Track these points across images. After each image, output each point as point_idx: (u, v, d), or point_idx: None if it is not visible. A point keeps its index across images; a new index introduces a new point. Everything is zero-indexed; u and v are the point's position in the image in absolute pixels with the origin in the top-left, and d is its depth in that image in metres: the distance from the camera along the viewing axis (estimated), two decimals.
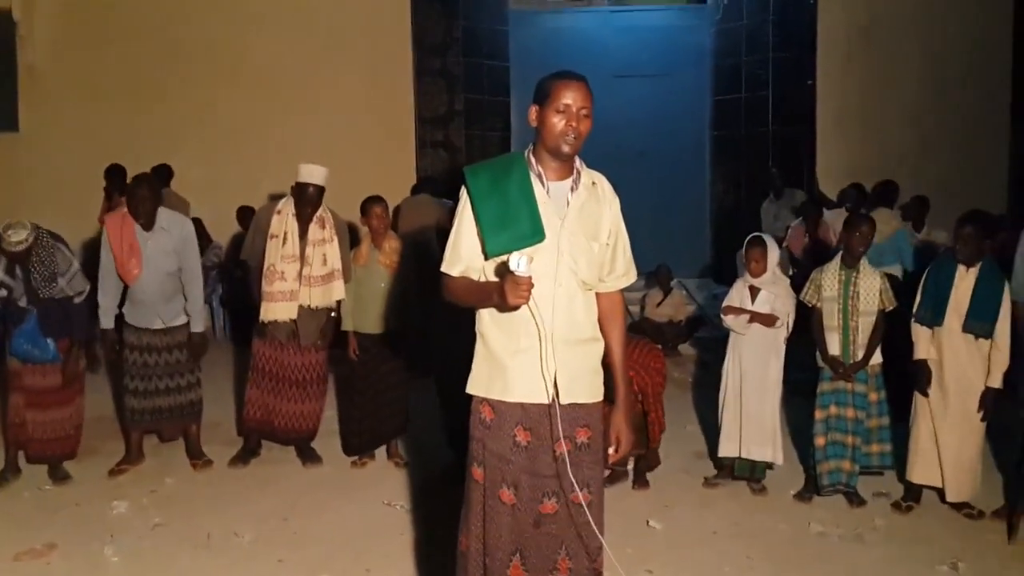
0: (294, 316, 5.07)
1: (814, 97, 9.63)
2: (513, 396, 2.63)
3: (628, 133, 9.90)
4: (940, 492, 4.58)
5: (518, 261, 2.38)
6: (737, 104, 10.08)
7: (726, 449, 4.88)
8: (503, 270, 2.49)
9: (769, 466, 4.87)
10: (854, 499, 4.68)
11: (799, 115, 9.67)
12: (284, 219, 5.07)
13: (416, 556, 4.04)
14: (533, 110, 2.64)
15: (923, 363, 4.53)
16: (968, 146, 9.62)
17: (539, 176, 2.64)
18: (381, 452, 5.31)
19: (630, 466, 4.99)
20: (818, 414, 4.72)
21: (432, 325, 5.01)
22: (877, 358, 4.70)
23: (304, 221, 5.08)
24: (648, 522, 4.40)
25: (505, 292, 2.42)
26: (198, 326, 5.11)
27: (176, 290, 5.06)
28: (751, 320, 4.76)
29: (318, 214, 5.11)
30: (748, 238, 4.90)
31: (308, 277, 5.05)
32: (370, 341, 5.17)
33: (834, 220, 7.32)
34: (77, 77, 9.63)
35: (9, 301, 4.73)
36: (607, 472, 4.58)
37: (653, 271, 8.40)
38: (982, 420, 4.45)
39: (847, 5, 9.71)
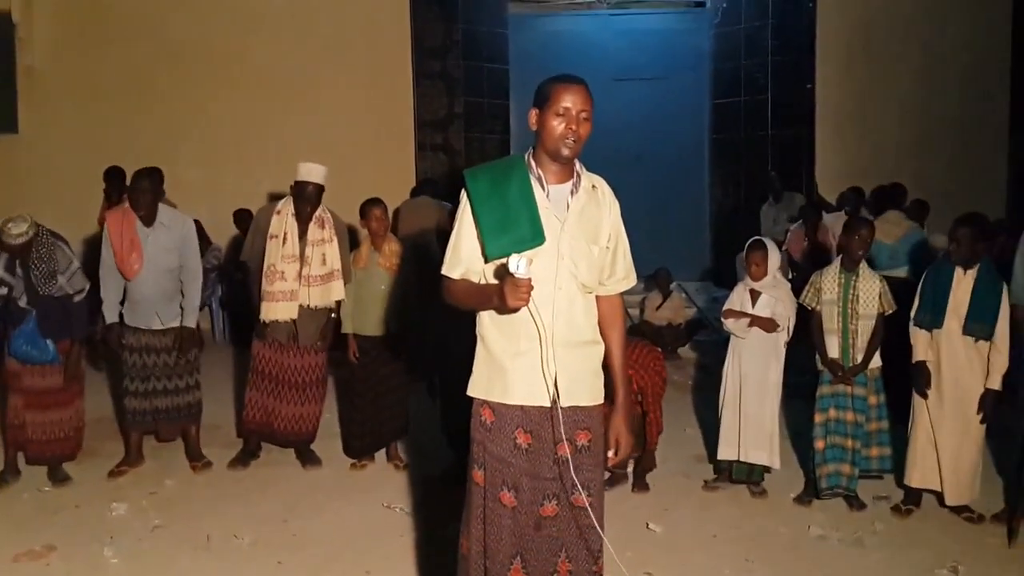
0: (294, 316, 5.07)
1: (813, 100, 9.66)
2: (513, 399, 2.63)
3: (627, 136, 9.92)
4: (939, 496, 4.57)
5: (518, 263, 2.38)
6: (736, 107, 10.09)
7: (724, 452, 4.88)
8: (503, 272, 2.49)
9: (767, 469, 4.87)
10: (854, 503, 4.68)
11: (798, 118, 9.70)
12: (284, 219, 5.08)
13: (416, 558, 4.04)
14: (533, 113, 2.64)
15: (922, 364, 4.53)
16: (967, 150, 9.64)
17: (539, 179, 2.65)
18: (381, 454, 5.31)
19: (629, 469, 4.99)
20: (818, 417, 4.72)
21: (432, 328, 5.02)
22: (876, 361, 4.71)
23: (304, 221, 5.08)
24: (648, 525, 4.40)
25: (505, 294, 2.42)
26: (190, 321, 5.10)
27: (175, 290, 5.07)
28: (751, 324, 4.77)
29: (317, 214, 5.11)
30: (749, 241, 4.90)
31: (307, 277, 5.06)
32: (370, 344, 5.17)
33: (833, 224, 7.33)
34: (76, 78, 9.64)
35: (9, 299, 4.73)
36: (607, 475, 4.59)
37: (652, 274, 8.41)
38: (981, 423, 4.45)
39: (846, 8, 9.74)
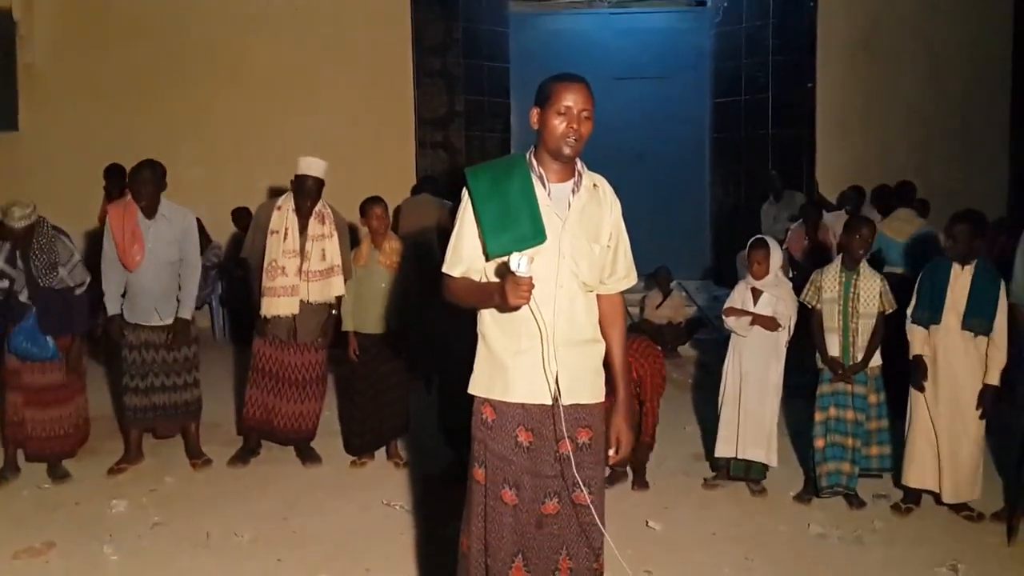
0: (296, 311, 5.08)
1: (814, 100, 9.65)
2: (514, 396, 2.63)
3: (628, 135, 9.92)
4: (937, 495, 4.57)
5: (519, 261, 2.38)
6: (737, 107, 10.09)
7: (722, 450, 4.88)
8: (504, 271, 2.50)
9: (766, 467, 4.86)
10: (854, 501, 4.68)
11: (799, 118, 9.69)
12: (284, 215, 5.09)
13: (416, 556, 4.04)
14: (534, 112, 2.65)
15: (918, 358, 4.54)
16: (967, 149, 9.63)
17: (540, 178, 2.65)
18: (380, 452, 5.31)
19: (629, 467, 4.99)
20: (818, 416, 4.72)
21: (432, 326, 5.02)
22: (877, 360, 4.71)
23: (304, 215, 5.09)
24: (647, 523, 4.41)
25: (506, 292, 2.42)
26: (185, 313, 5.10)
27: (175, 285, 5.07)
28: (753, 322, 4.77)
29: (317, 209, 5.12)
30: (751, 240, 4.90)
31: (307, 272, 5.06)
32: (370, 341, 5.18)
33: (834, 223, 7.33)
34: (77, 77, 9.63)
35: (10, 293, 4.74)
36: (607, 473, 4.58)
37: (652, 273, 8.41)
38: (981, 418, 4.45)
39: (847, 8, 9.73)
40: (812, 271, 5.00)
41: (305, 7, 9.71)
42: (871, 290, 4.65)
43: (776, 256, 4.83)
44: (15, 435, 4.94)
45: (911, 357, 4.57)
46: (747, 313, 4.79)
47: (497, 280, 2.58)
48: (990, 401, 4.42)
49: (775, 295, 4.77)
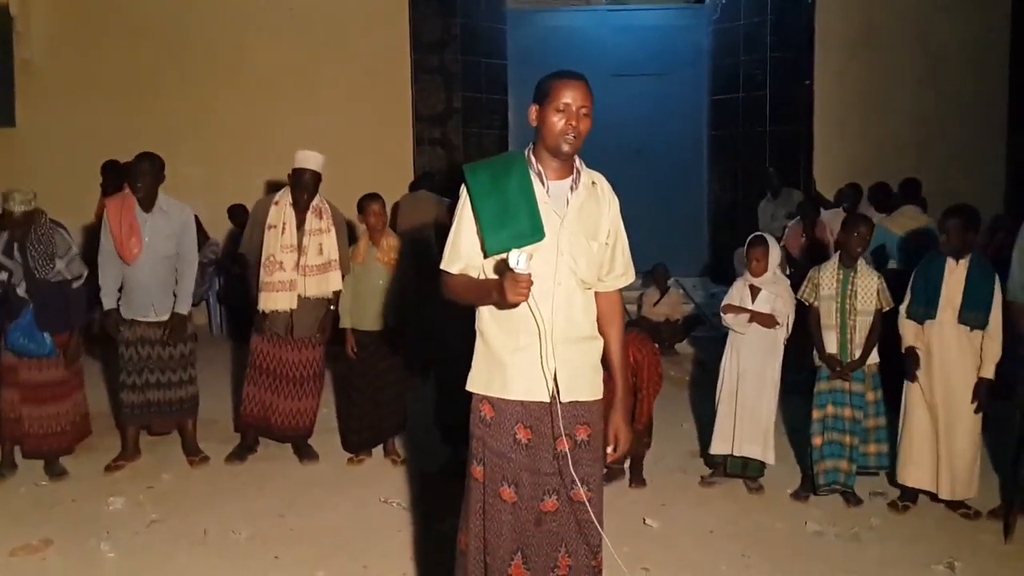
0: (294, 306, 5.07)
1: (811, 97, 9.66)
2: (513, 394, 2.63)
3: (626, 132, 9.91)
4: (933, 493, 4.57)
5: (517, 258, 2.38)
6: (735, 104, 10.09)
7: (718, 447, 4.88)
8: (502, 268, 2.49)
9: (763, 464, 4.86)
10: (851, 498, 4.69)
11: (796, 115, 9.69)
12: (282, 209, 5.08)
13: (413, 553, 4.04)
14: (533, 109, 2.64)
15: (911, 349, 4.55)
16: (965, 147, 9.64)
17: (539, 175, 2.64)
18: (378, 449, 5.31)
19: (627, 464, 4.99)
20: (815, 413, 4.72)
21: (430, 322, 5.01)
22: (874, 358, 4.71)
23: (301, 209, 5.09)
24: (645, 520, 4.41)
25: (504, 289, 2.41)
26: (182, 308, 5.09)
27: (172, 281, 5.06)
28: (751, 320, 4.77)
29: (315, 203, 5.11)
30: (750, 237, 4.90)
31: (304, 267, 5.06)
32: (368, 338, 5.17)
33: (831, 220, 7.33)
34: (74, 73, 9.62)
35: (8, 287, 4.72)
36: (604, 470, 4.58)
37: (650, 270, 8.41)
38: (976, 411, 4.46)
39: (845, 5, 9.73)
40: (809, 268, 5.00)
41: (304, 5, 9.70)
42: (868, 287, 4.65)
43: (775, 253, 4.83)
44: (12, 432, 4.93)
45: (903, 349, 4.58)
46: (745, 310, 4.80)
47: (495, 277, 2.57)
48: (985, 394, 4.42)
49: (773, 292, 4.77)
